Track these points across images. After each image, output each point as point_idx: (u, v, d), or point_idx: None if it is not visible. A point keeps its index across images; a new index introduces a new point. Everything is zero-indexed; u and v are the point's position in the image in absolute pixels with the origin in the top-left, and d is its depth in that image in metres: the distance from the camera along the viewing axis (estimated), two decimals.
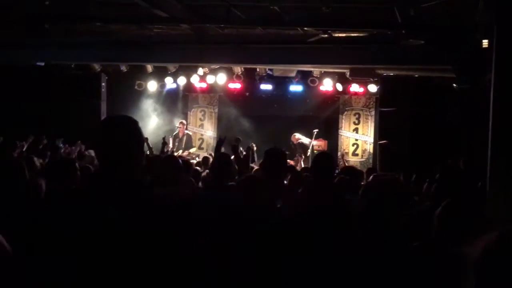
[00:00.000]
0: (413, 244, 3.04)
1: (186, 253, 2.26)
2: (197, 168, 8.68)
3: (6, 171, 3.71)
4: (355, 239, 2.84)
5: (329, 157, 5.05)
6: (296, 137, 14.26)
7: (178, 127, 14.56)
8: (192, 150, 14.31)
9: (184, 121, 15.03)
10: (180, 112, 16.00)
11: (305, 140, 14.16)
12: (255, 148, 12.77)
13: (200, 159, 11.64)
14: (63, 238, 2.18)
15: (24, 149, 9.80)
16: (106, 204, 2.25)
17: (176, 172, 4.83)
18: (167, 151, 11.88)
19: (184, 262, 2.23)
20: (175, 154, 13.44)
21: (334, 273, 2.70)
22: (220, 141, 7.01)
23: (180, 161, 5.04)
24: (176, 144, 14.20)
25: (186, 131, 14.69)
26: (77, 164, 5.02)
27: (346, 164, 12.26)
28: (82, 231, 2.19)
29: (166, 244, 2.21)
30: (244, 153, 7.74)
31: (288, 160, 7.13)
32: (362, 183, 8.29)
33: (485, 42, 7.55)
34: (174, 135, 14.44)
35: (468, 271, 1.36)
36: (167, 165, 4.94)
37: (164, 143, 10.46)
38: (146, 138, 10.19)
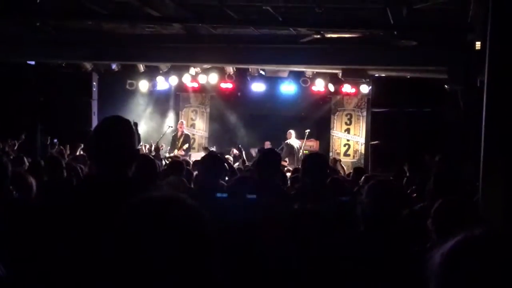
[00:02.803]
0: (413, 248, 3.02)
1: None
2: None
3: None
4: (353, 240, 2.83)
5: (321, 157, 5.04)
6: (290, 135, 14.12)
7: (175, 129, 14.56)
8: (185, 146, 14.20)
9: (183, 121, 14.98)
10: (171, 112, 15.95)
11: (293, 141, 14.02)
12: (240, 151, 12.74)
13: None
14: (56, 238, 2.16)
15: (15, 148, 9.77)
16: (95, 203, 2.24)
17: (149, 174, 4.65)
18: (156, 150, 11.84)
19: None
20: (171, 154, 13.34)
21: (333, 275, 2.68)
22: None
23: (156, 163, 4.93)
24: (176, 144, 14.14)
25: (184, 131, 14.63)
26: (63, 162, 5.02)
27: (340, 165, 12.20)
28: (74, 231, 2.17)
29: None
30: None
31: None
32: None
33: (478, 44, 7.57)
34: (173, 136, 14.38)
35: (429, 279, 1.22)
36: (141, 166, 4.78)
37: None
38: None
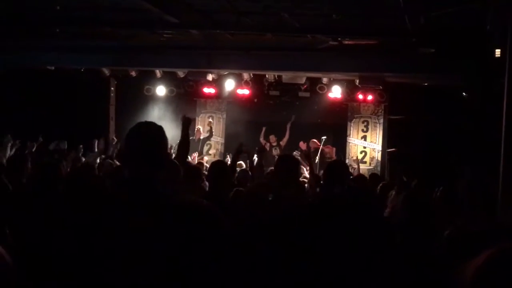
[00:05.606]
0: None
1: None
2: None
3: None
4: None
5: (343, 165, 5.03)
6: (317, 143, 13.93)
7: (193, 134, 14.68)
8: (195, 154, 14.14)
9: (200, 127, 15.14)
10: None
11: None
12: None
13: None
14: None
15: (33, 149, 9.95)
16: (123, 208, 2.28)
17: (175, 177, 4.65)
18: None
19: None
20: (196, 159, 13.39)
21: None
22: (238, 151, 6.86)
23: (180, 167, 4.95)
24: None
25: (201, 137, 14.89)
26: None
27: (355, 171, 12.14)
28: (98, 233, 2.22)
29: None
30: (256, 159, 7.51)
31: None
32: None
33: (497, 52, 7.53)
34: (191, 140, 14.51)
35: None
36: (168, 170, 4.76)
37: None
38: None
